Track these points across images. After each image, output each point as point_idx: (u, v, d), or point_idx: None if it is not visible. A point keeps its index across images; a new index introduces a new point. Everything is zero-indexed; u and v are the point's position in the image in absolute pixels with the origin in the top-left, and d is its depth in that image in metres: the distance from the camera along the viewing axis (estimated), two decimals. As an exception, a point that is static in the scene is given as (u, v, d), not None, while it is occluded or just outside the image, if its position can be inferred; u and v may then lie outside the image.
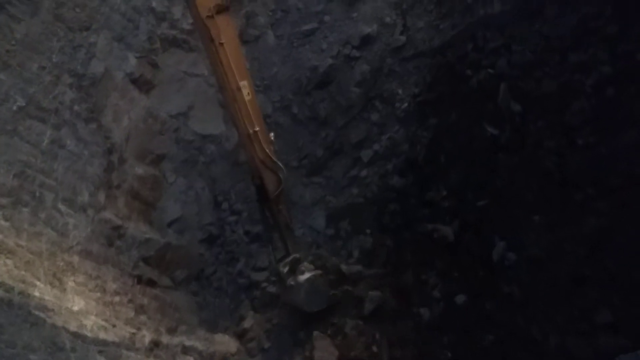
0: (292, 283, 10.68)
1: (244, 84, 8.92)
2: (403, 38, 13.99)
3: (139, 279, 11.82)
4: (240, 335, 11.75)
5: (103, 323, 9.22)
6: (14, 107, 10.79)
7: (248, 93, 9.04)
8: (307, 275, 10.69)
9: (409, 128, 13.19)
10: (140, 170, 12.93)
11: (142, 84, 13.33)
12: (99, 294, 10.24)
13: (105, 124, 12.32)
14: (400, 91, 13.64)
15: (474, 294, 10.31)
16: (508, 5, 12.50)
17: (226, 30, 8.43)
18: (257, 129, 9.35)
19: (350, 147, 13.99)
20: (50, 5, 11.71)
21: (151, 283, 12.19)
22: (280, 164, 9.97)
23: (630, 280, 8.68)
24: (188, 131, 14.06)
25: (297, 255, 10.80)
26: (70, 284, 9.74)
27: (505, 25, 12.42)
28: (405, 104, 13.48)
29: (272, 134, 9.94)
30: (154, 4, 13.66)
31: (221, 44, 8.38)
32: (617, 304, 8.53)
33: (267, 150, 9.68)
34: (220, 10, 8.21)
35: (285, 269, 10.66)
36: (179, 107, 14.01)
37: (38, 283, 8.94)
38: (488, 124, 11.55)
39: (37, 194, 10.62)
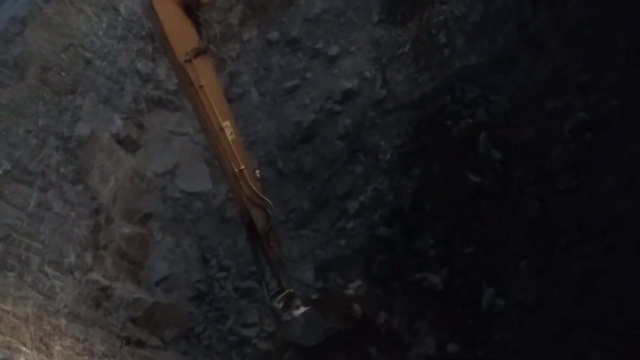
0: (288, 318, 10.55)
1: (227, 124, 8.88)
2: (383, 92, 14.31)
3: (128, 340, 11.62)
4: (232, 394, 11.54)
5: (91, 388, 9.05)
6: (0, 172, 10.83)
7: (231, 133, 9.00)
8: (302, 310, 10.59)
9: (394, 179, 13.35)
10: (127, 229, 12.89)
11: (128, 144, 13.46)
12: (86, 358, 10.04)
13: (91, 185, 12.35)
14: (383, 143, 13.86)
15: (466, 342, 10.26)
16: (484, 58, 12.94)
17: (205, 72, 8.41)
18: (242, 167, 9.34)
19: (336, 200, 14.08)
20: (36, 70, 11.91)
21: (140, 344, 11.98)
22: (268, 201, 9.91)
23: (620, 323, 8.71)
24: (175, 189, 14.12)
25: (291, 290, 10.71)
26: (57, 348, 9.56)
27: (482, 77, 12.83)
28: (389, 156, 13.69)
29: (257, 171, 9.96)
30: (139, 66, 13.93)
31: (201, 86, 8.33)
32: (608, 347, 8.52)
33: (254, 188, 9.62)
34: (198, 53, 8.22)
35: (280, 305, 10.53)
36: (165, 166, 14.11)
37: (24, 349, 8.77)
38: (470, 172, 11.76)
39: (23, 258, 10.54)
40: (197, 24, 8.20)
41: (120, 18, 13.62)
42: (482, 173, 11.65)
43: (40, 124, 11.67)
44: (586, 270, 9.56)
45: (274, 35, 16.06)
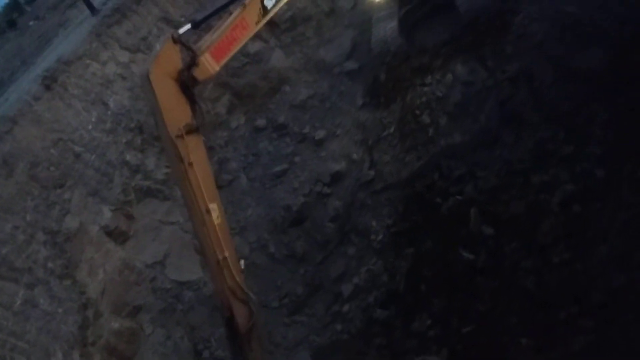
0: None
1: (214, 207, 8.35)
2: (372, 172, 14.48)
3: None
4: None
5: None
6: (-14, 270, 10.64)
7: (218, 216, 8.44)
8: None
9: (387, 259, 13.25)
10: (116, 324, 12.53)
11: (117, 236, 13.34)
12: None
13: (80, 279, 12.12)
14: (374, 223, 13.85)
15: None
16: (467, 135, 13.20)
17: (195, 150, 8.07)
18: (226, 254, 8.62)
19: (330, 283, 13.89)
20: (25, 166, 11.97)
21: None
22: (251, 295, 9.09)
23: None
24: (165, 279, 13.86)
25: None
26: None
27: (467, 154, 13.04)
28: (381, 236, 13.65)
29: (242, 261, 9.23)
30: (128, 158, 14.06)
31: (190, 164, 7.95)
32: None
33: (238, 279, 8.84)
34: (190, 130, 7.92)
35: None
36: (155, 256, 13.93)
37: None
38: (463, 249, 11.72)
39: (8, 359, 10.16)
40: (192, 102, 8.11)
41: (109, 112, 13.90)
42: (474, 249, 11.61)
43: (28, 219, 11.59)
44: (588, 344, 9.36)
45: (261, 122, 16.40)
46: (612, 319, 9.36)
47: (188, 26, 7.69)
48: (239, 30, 8.04)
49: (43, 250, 11.69)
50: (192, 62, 7.58)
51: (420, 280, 12.26)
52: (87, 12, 17.96)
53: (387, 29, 16.39)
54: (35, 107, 12.62)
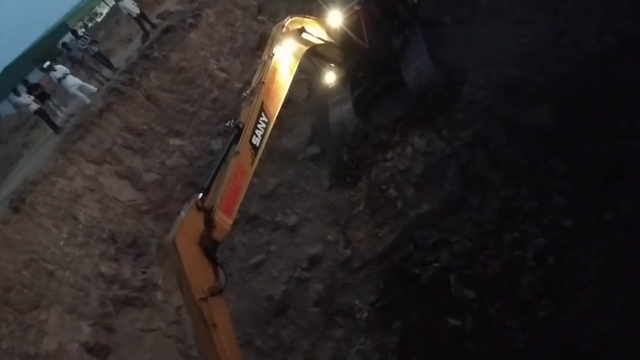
0: None
1: None
2: (348, 252, 14.53)
3: None
4: None
5: None
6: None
7: None
8: None
9: (375, 336, 13.08)
10: None
11: (98, 351, 12.92)
12: None
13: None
14: (357, 302, 13.76)
15: None
16: (435, 204, 13.51)
17: (219, 312, 7.95)
18: None
19: (322, 369, 13.59)
20: (-2, 296, 11.73)
21: None
22: None
23: None
24: (151, 392, 13.39)
25: None
26: None
27: (438, 221, 13.28)
28: (366, 314, 13.53)
29: None
30: (102, 269, 13.88)
31: (214, 325, 7.82)
32: None
33: None
34: (214, 293, 7.83)
35: None
36: (139, 366, 13.52)
37: None
38: (449, 316, 11.69)
39: None
40: (214, 265, 8.25)
41: (80, 226, 13.84)
42: (460, 315, 11.59)
43: (4, 347, 11.25)
44: (587, 397, 9.29)
45: (233, 215, 16.47)
46: (604, 367, 9.36)
47: (200, 194, 7.81)
48: (239, 177, 8.33)
49: (21, 377, 11.30)
50: (210, 225, 7.73)
51: (411, 353, 12.10)
52: (49, 131, 18.30)
53: (343, 111, 17.04)
54: (4, 230, 12.53)
